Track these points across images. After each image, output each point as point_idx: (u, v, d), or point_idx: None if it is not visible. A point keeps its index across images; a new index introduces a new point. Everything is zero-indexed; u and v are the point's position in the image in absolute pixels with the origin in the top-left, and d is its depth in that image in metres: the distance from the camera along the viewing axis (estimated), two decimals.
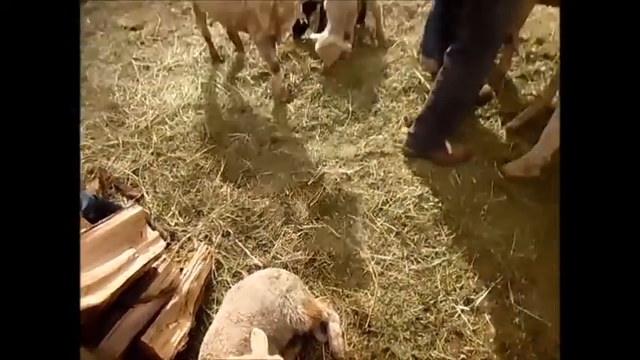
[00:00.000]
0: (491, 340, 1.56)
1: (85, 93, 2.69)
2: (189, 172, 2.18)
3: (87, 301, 1.14)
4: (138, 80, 2.77)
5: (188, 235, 1.90)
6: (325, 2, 2.52)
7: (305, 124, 2.37)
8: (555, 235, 1.83)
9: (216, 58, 2.79)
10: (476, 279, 1.72)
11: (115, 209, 1.55)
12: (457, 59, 1.78)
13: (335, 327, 1.49)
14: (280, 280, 1.51)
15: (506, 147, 2.17)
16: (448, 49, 1.80)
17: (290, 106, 2.48)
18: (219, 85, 2.67)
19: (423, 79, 2.53)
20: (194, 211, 2.01)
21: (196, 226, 1.94)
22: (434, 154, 2.08)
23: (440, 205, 1.94)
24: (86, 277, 1.19)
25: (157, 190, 2.12)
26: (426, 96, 2.40)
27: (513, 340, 1.55)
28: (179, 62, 2.88)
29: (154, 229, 1.55)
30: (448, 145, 2.08)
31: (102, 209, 1.69)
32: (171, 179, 2.16)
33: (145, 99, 2.63)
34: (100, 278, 1.22)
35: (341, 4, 2.46)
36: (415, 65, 2.63)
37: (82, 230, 1.31)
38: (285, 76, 2.64)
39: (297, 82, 2.63)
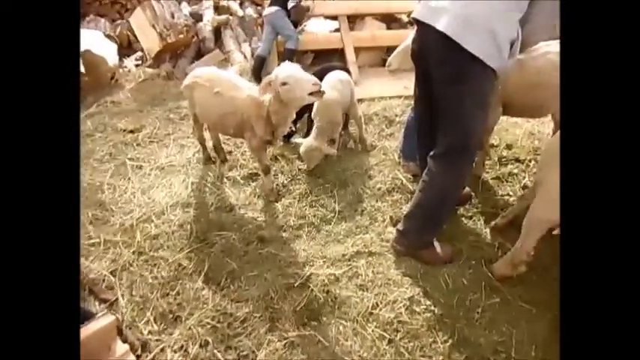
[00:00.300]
0: None
1: None
2: (170, 273, 2.09)
3: None
4: (129, 179, 2.82)
5: (161, 346, 1.73)
6: (313, 111, 2.78)
7: (292, 223, 2.38)
8: (555, 340, 1.73)
9: (208, 160, 2.93)
10: None
11: (86, 318, 1.43)
12: (440, 162, 1.93)
13: None
14: None
15: (491, 246, 2.19)
16: (431, 153, 1.96)
17: (278, 205, 2.52)
18: (209, 185, 2.74)
19: (404, 181, 2.66)
20: (171, 316, 1.87)
21: (172, 334, 1.78)
22: (423, 252, 2.08)
23: (432, 308, 1.86)
24: None
25: (134, 292, 1.99)
26: (410, 196, 2.52)
27: None
28: (172, 162, 3.00)
29: (125, 340, 1.41)
30: (437, 244, 2.10)
31: None
32: (151, 280, 2.05)
33: (134, 197, 2.65)
34: None
35: (326, 113, 2.72)
36: (397, 167, 2.79)
37: None
38: (274, 177, 2.75)
39: (286, 182, 2.73)
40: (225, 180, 2.78)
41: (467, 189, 2.45)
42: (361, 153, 3.04)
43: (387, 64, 2.58)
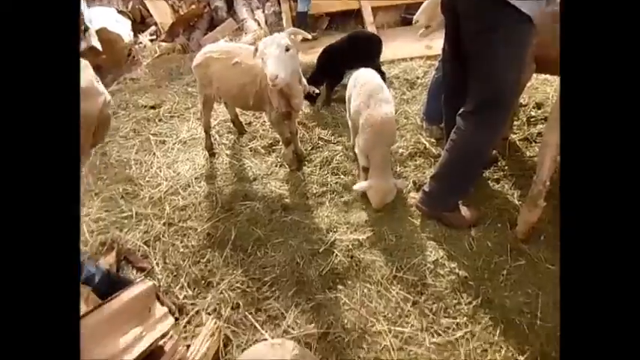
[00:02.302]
0: None
1: (103, 167, 2.81)
2: (199, 242, 2.18)
3: None
4: (154, 154, 2.90)
5: (196, 309, 1.84)
6: (364, 139, 2.15)
7: (315, 191, 2.40)
8: None
9: (210, 150, 2.82)
10: (503, 352, 1.59)
11: (126, 284, 1.53)
12: (470, 119, 1.84)
13: None
14: (284, 348, 1.43)
15: (518, 209, 2.15)
16: (460, 111, 1.88)
17: (300, 174, 2.54)
18: (231, 156, 2.78)
19: (428, 145, 2.60)
20: (203, 282, 1.97)
21: (205, 298, 1.89)
22: (448, 215, 2.06)
23: (457, 270, 1.87)
24: (94, 357, 1.13)
25: (167, 261, 2.10)
26: (433, 160, 2.47)
27: None
28: (194, 136, 3.04)
29: (162, 303, 1.50)
30: (462, 206, 2.07)
31: (114, 284, 1.68)
32: (182, 249, 2.15)
33: (160, 171, 2.73)
34: (106, 358, 1.16)
35: (384, 135, 2.12)
36: (419, 132, 2.73)
37: (89, 309, 1.28)
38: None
39: (307, 150, 2.73)
40: (247, 151, 2.80)
41: (494, 151, 2.37)
42: None
43: (413, 21, 2.43)
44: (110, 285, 1.68)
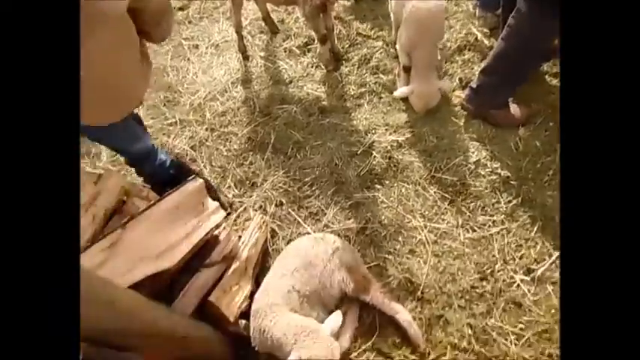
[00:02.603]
0: (552, 311, 1.49)
1: None
2: (241, 146, 2.26)
3: (159, 265, 1.27)
4: (189, 59, 2.86)
5: (244, 206, 2.00)
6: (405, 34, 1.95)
7: (353, 92, 2.32)
8: None
9: (244, 53, 2.69)
10: (538, 248, 1.63)
11: (189, 170, 1.71)
12: (533, 1, 1.59)
13: (404, 316, 1.50)
14: (326, 240, 1.58)
15: None
16: None
17: (337, 75, 2.43)
18: (265, 58, 2.68)
19: (480, 36, 2.33)
20: (248, 182, 2.10)
21: (251, 196, 2.04)
22: (494, 112, 1.93)
23: (498, 171, 1.83)
24: (158, 244, 1.31)
25: (214, 164, 2.23)
26: (485, 53, 2.23)
27: None
28: (225, 38, 2.92)
29: (214, 199, 1.65)
30: (512, 104, 1.93)
31: (180, 169, 1.95)
32: (226, 153, 2.26)
33: (197, 77, 2.72)
34: (169, 245, 1.33)
35: (429, 28, 1.89)
36: (471, 21, 2.42)
37: (151, 203, 1.43)
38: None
39: (344, 48, 2.55)
40: (281, 52, 2.68)
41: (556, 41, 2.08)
42: None
43: None
44: (178, 169, 1.95)
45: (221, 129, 2.38)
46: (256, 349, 1.44)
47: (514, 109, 1.92)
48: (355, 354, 1.51)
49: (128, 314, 1.01)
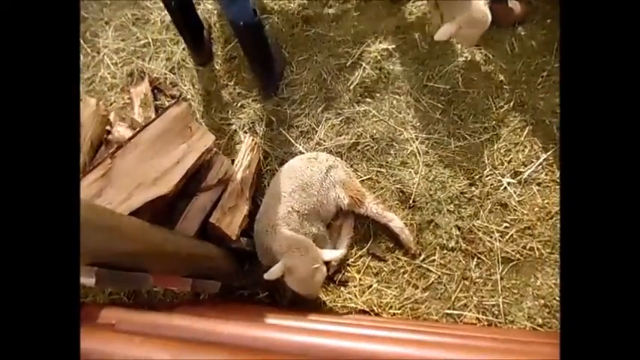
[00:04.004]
0: (536, 209, 1.58)
1: None
2: (222, 66, 2.14)
3: (155, 191, 1.29)
4: None
5: (234, 128, 1.97)
6: None
7: None
8: None
9: None
10: (526, 152, 1.66)
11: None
12: None
13: (397, 223, 1.58)
14: (319, 160, 1.61)
15: None
16: None
17: None
18: None
19: None
20: (234, 104, 2.03)
21: (240, 119, 1.99)
22: (493, 7, 1.79)
23: (492, 75, 1.77)
24: (151, 171, 1.31)
25: (197, 87, 2.13)
26: None
27: (559, 208, 1.56)
28: None
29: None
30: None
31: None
32: (208, 74, 2.14)
33: None
34: (162, 171, 1.34)
35: None
36: None
37: (137, 130, 1.39)
38: None
39: None
40: None
41: None
42: None
43: None
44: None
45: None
46: (262, 262, 1.56)
47: (513, 4, 1.79)
48: (352, 259, 1.64)
49: (133, 237, 1.05)
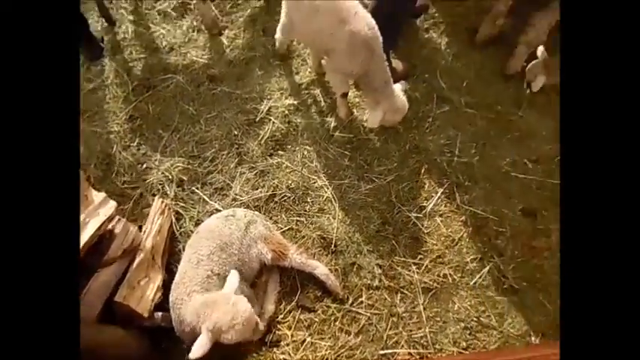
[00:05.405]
0: (442, 238, 1.75)
1: None
2: (123, 127, 2.01)
3: None
4: None
5: (140, 192, 1.82)
6: None
7: (242, 57, 2.21)
8: (491, 138, 1.98)
9: (109, 18, 2.29)
10: (426, 187, 1.86)
11: None
12: None
13: (322, 270, 1.58)
14: (237, 217, 1.55)
15: (447, 55, 2.20)
16: None
17: (223, 39, 2.28)
18: (136, 23, 2.35)
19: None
20: (140, 166, 1.90)
21: (146, 180, 1.86)
22: None
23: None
24: None
25: (93, 149, 1.95)
26: None
27: (461, 235, 1.75)
28: (83, 1, 2.46)
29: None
30: (393, 59, 2.07)
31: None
32: (107, 136, 1.99)
33: None
34: None
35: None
36: None
37: None
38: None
39: (224, 10, 2.38)
40: (153, 15, 2.38)
41: None
42: None
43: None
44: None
45: (95, 109, 2.07)
46: (181, 338, 1.39)
47: (396, 63, 2.07)
48: (281, 316, 1.57)
49: None
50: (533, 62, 1.97)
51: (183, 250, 1.66)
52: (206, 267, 1.39)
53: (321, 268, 1.59)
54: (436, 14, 2.34)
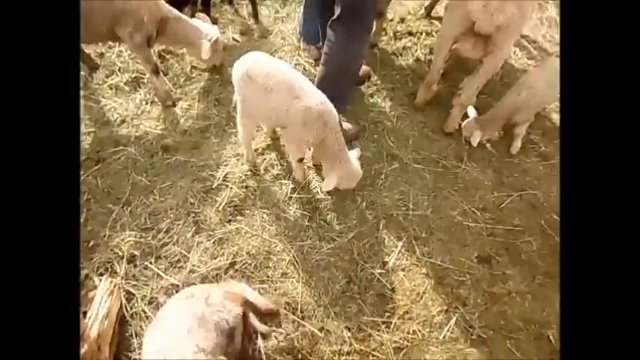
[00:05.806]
0: (407, 293, 1.75)
1: None
2: None
3: None
4: None
5: (85, 272, 1.68)
6: None
7: (197, 127, 2.24)
8: (440, 190, 2.10)
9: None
10: (386, 242, 1.89)
11: None
12: (337, 30, 1.93)
13: (256, 325, 1.48)
14: (197, 295, 1.37)
15: (392, 117, 2.39)
16: (329, 22, 1.94)
17: (177, 110, 2.31)
18: (86, 98, 2.34)
19: (307, 66, 2.59)
20: (86, 244, 1.77)
21: (92, 259, 1.72)
22: None
23: None
24: None
25: None
26: (313, 80, 2.49)
27: (425, 287, 1.77)
28: None
29: None
30: (344, 122, 2.20)
31: None
32: None
33: None
34: None
35: None
36: (297, 52, 2.67)
37: None
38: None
39: (177, 83, 2.46)
40: (105, 89, 2.39)
41: (365, 67, 2.50)
42: (257, 40, 2.80)
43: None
44: None
45: None
46: None
47: (346, 125, 2.21)
48: None
49: None
50: (467, 120, 2.20)
51: (134, 335, 1.51)
52: (191, 342, 1.13)
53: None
54: (378, 81, 2.57)
